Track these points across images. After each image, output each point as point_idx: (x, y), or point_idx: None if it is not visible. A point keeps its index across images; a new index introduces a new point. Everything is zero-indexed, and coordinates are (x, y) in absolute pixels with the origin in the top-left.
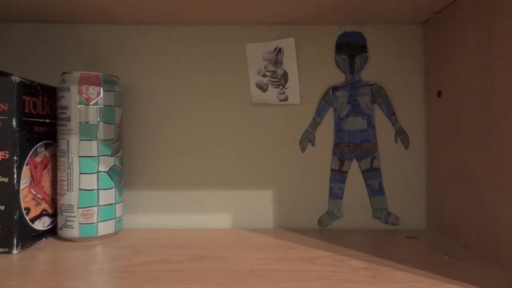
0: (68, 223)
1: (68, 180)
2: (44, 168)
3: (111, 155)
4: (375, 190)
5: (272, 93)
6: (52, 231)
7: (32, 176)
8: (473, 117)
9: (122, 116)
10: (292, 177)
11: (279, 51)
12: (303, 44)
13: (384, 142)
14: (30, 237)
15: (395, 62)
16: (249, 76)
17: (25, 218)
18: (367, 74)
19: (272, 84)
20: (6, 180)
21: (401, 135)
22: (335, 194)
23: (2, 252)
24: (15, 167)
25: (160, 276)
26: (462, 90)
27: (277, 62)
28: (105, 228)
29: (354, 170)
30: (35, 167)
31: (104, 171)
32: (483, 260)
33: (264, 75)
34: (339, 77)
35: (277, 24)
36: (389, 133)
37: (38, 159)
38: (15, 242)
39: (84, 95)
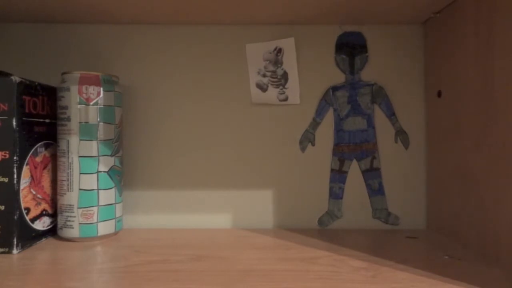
0: (68, 223)
1: (68, 180)
2: (44, 168)
3: (111, 155)
4: (375, 190)
5: (272, 93)
6: (52, 231)
7: (32, 176)
8: (473, 117)
9: (122, 116)
10: (292, 177)
11: (279, 51)
12: (303, 44)
13: (384, 142)
14: (30, 237)
15: (395, 62)
16: (249, 76)
17: (25, 218)
18: (367, 74)
19: (272, 84)
20: (6, 180)
21: (401, 135)
22: (335, 194)
23: (2, 252)
24: (15, 167)
25: (160, 276)
26: (462, 90)
27: (277, 62)
28: (105, 228)
29: (354, 170)
30: (35, 167)
31: (104, 171)
32: (483, 260)
33: (264, 75)
34: (339, 77)
35: (277, 24)
36: (389, 133)
37: (38, 159)
38: (15, 242)
39: (84, 95)
